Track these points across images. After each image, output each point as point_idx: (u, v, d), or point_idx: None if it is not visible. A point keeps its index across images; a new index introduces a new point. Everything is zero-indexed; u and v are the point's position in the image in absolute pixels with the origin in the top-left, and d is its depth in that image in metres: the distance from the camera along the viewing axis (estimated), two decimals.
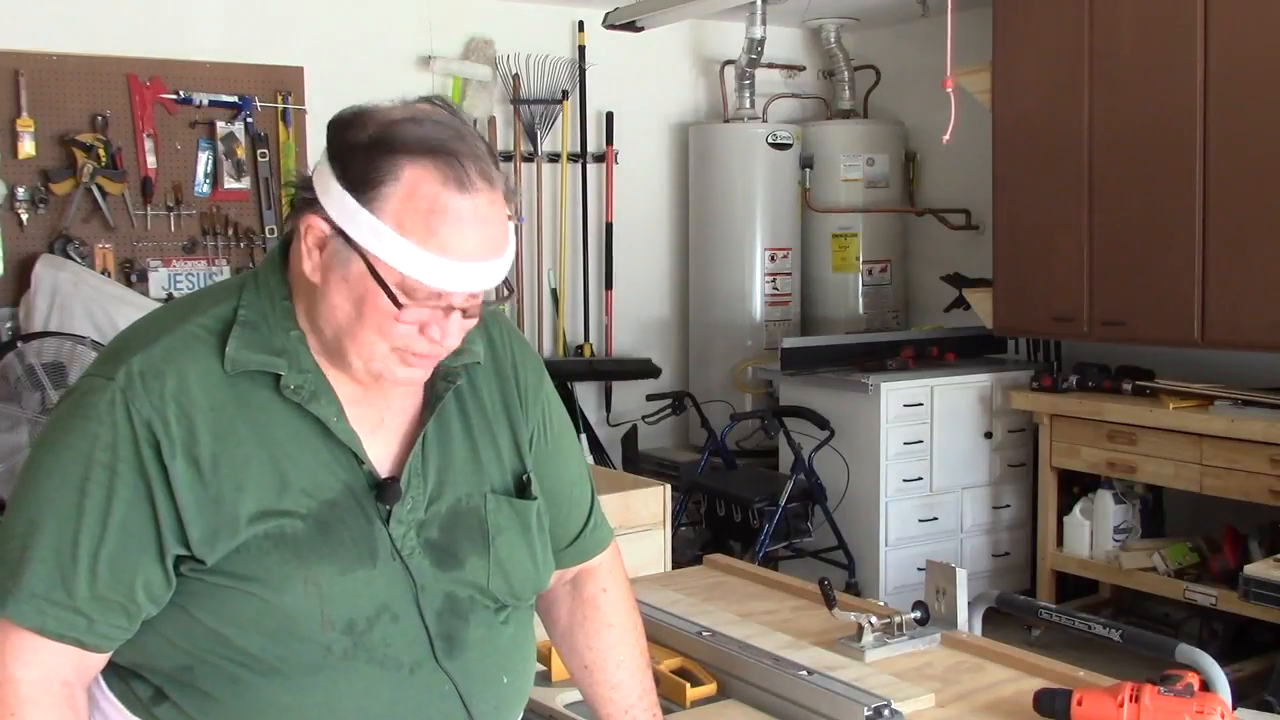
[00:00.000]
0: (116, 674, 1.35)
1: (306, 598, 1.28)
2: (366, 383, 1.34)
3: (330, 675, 1.30)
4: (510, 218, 1.31)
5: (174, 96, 4.94)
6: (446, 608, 1.37)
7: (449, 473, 1.39)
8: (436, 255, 1.24)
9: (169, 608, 1.29)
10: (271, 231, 5.09)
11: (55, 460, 1.27)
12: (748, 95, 6.10)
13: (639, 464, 5.79)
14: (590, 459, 5.49)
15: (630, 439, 5.92)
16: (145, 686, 1.33)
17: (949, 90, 3.76)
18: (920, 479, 5.09)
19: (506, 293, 1.34)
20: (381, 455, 1.36)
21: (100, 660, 1.30)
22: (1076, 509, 4.85)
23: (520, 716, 1.52)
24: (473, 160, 1.26)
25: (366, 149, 1.25)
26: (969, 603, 2.19)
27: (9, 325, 4.56)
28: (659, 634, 2.04)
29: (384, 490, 1.33)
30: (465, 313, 1.30)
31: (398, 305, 1.26)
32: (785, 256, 6.09)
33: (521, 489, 1.46)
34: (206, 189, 5.02)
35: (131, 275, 4.85)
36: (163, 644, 1.30)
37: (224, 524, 1.26)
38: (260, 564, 1.27)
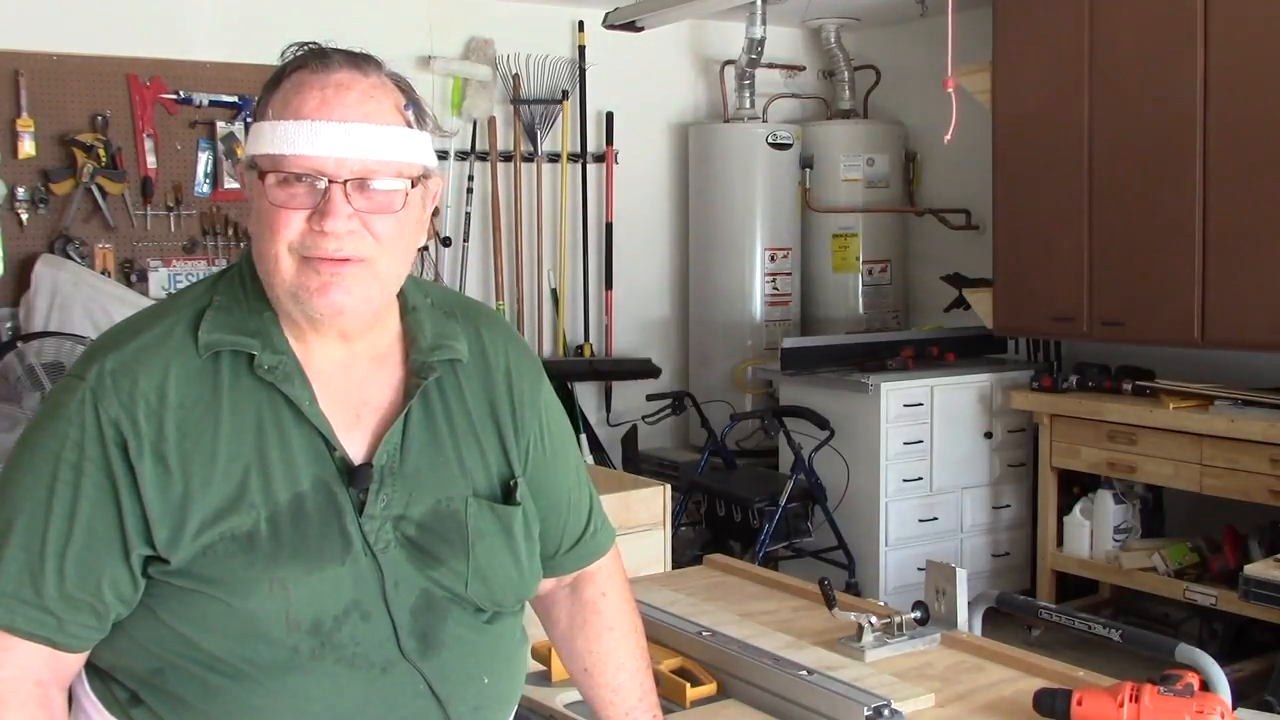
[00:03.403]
0: (98, 675, 1.35)
1: (272, 600, 1.27)
2: (306, 329, 1.33)
3: (299, 677, 1.29)
4: (402, 111, 1.33)
5: (174, 96, 4.94)
6: (422, 604, 1.34)
7: (428, 473, 1.37)
8: (290, 120, 1.28)
9: (139, 610, 1.29)
10: None
11: (29, 459, 1.28)
12: (748, 95, 6.10)
13: (639, 464, 5.79)
14: (590, 459, 5.49)
15: (630, 439, 5.92)
16: (122, 689, 1.33)
17: (949, 90, 3.76)
18: (920, 479, 5.09)
19: (440, 242, 1.35)
20: (356, 451, 1.34)
21: (76, 660, 1.30)
22: (1076, 509, 4.85)
23: (510, 719, 1.50)
24: (342, 53, 1.32)
25: (268, 85, 1.34)
26: (969, 603, 2.19)
27: (9, 325, 4.56)
28: (659, 634, 2.04)
29: (355, 475, 1.32)
30: (354, 199, 1.28)
31: (265, 179, 1.28)
32: (785, 256, 6.09)
33: (507, 494, 1.43)
34: (206, 189, 5.03)
35: (131, 275, 4.85)
36: (134, 647, 1.30)
37: (190, 522, 1.26)
38: (225, 567, 1.26)
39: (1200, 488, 4.38)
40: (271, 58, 1.37)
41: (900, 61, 6.20)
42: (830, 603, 2.15)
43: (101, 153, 4.76)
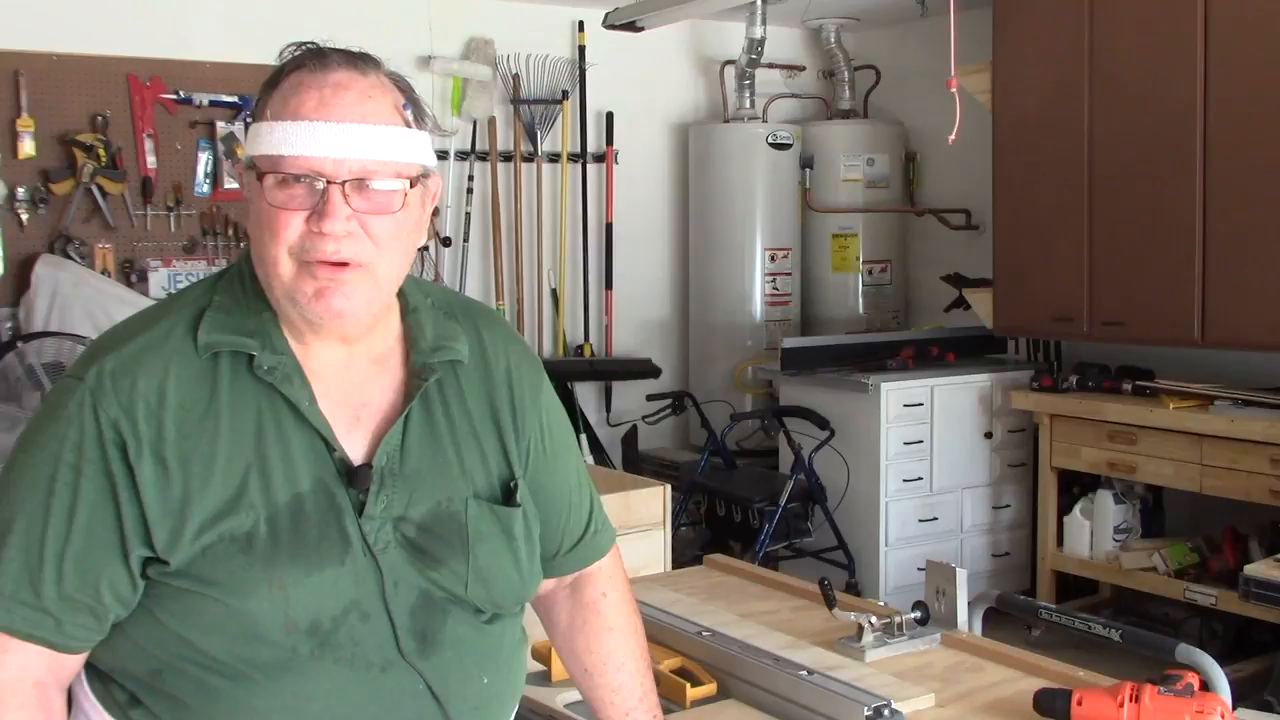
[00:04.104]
0: (98, 676, 1.34)
1: (271, 601, 1.26)
2: (306, 331, 1.33)
3: (298, 677, 1.28)
4: (401, 110, 1.32)
5: (174, 96, 4.94)
6: (422, 605, 1.34)
7: (429, 474, 1.37)
8: (288, 121, 1.27)
9: (138, 611, 1.29)
10: None
11: (28, 461, 1.28)
12: (748, 95, 6.10)
13: (639, 464, 5.79)
14: (590, 459, 5.49)
15: (630, 439, 5.92)
16: (121, 690, 1.33)
17: (952, 90, 3.76)
18: (920, 479, 5.09)
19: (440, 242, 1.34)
20: (356, 452, 1.34)
21: (75, 661, 1.30)
22: (1076, 509, 4.85)
23: (510, 718, 1.50)
24: (340, 53, 1.32)
25: (266, 85, 1.33)
26: (969, 603, 2.19)
27: (9, 325, 4.56)
28: (659, 634, 2.04)
29: (355, 476, 1.32)
30: (352, 200, 1.28)
31: (263, 180, 1.27)
32: (785, 256, 6.09)
33: (507, 496, 1.43)
34: (206, 189, 5.03)
35: (131, 275, 4.85)
36: (133, 648, 1.30)
37: (189, 524, 1.25)
38: (224, 568, 1.26)
39: (1200, 488, 4.38)
40: (271, 58, 1.37)
41: (900, 61, 6.19)
42: (830, 603, 2.15)
43: (101, 153, 4.76)
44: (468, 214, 5.71)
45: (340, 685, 1.30)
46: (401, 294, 1.41)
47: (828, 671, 1.89)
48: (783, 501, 4.88)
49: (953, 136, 3.72)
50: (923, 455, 5.08)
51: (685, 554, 4.48)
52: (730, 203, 6.02)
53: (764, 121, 6.15)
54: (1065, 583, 5.01)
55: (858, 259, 6.16)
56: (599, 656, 1.59)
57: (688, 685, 1.92)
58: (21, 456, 1.29)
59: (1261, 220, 4.20)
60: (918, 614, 2.12)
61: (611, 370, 5.92)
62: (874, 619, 2.08)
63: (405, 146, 1.31)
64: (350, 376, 1.37)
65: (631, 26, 5.34)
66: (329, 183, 1.27)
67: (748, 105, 6.10)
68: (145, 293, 4.80)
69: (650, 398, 5.64)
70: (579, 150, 5.96)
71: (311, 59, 1.31)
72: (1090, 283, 4.74)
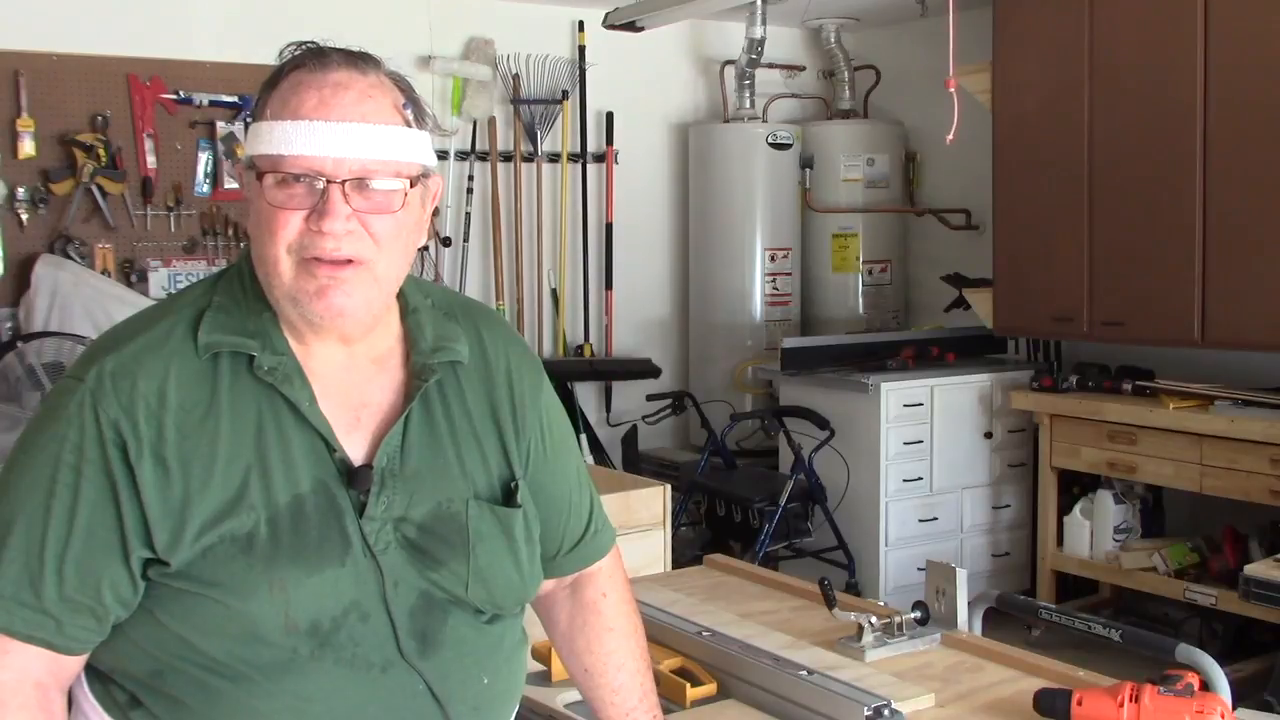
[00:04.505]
0: (98, 677, 1.34)
1: (271, 602, 1.26)
2: (306, 331, 1.32)
3: (298, 678, 1.28)
4: (401, 110, 1.32)
5: (174, 96, 4.94)
6: (422, 606, 1.34)
7: (429, 475, 1.36)
8: (288, 121, 1.27)
9: (138, 612, 1.28)
10: None
11: (28, 461, 1.28)
12: (748, 95, 6.10)
13: (639, 464, 5.79)
14: (590, 459, 5.49)
15: (630, 439, 5.92)
16: (122, 691, 1.32)
17: (951, 90, 3.76)
18: (920, 479, 5.09)
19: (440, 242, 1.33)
20: (356, 453, 1.34)
21: (75, 663, 1.30)
22: (1076, 509, 4.85)
23: (510, 718, 1.50)
24: (340, 52, 1.32)
25: (266, 85, 1.33)
26: (969, 603, 2.19)
27: (9, 325, 4.56)
28: (659, 634, 2.04)
29: (355, 477, 1.31)
30: (352, 199, 1.27)
31: (263, 179, 1.27)
32: (785, 256, 6.09)
33: (508, 497, 1.43)
34: (206, 189, 5.03)
35: (131, 275, 4.85)
36: (133, 649, 1.30)
37: (189, 525, 1.25)
38: (225, 569, 1.26)
39: (1200, 488, 4.38)
40: (271, 58, 1.37)
41: (900, 61, 6.20)
42: (830, 603, 2.15)
43: (101, 153, 4.76)
44: (468, 214, 5.71)
45: (340, 686, 1.30)
46: (401, 294, 1.41)
47: (828, 671, 1.89)
48: (783, 501, 4.88)
49: (951, 136, 3.72)
50: (923, 455, 5.09)
51: (685, 554, 4.48)
52: (730, 203, 6.02)
53: (764, 121, 6.16)
54: (1065, 583, 5.01)
55: (858, 259, 6.16)
56: (599, 657, 1.59)
57: (688, 685, 1.92)
58: (21, 457, 1.28)
59: (1261, 220, 4.20)
60: (918, 614, 2.12)
61: (611, 370, 5.92)
62: (874, 619, 2.08)
63: (405, 146, 1.31)
64: (350, 377, 1.37)
65: (631, 26, 5.34)
66: (329, 182, 1.27)
67: (748, 105, 6.10)
68: (145, 293, 4.79)
69: (650, 398, 5.63)
70: (579, 150, 5.96)
71: (311, 58, 1.31)
72: (1090, 283, 4.74)
